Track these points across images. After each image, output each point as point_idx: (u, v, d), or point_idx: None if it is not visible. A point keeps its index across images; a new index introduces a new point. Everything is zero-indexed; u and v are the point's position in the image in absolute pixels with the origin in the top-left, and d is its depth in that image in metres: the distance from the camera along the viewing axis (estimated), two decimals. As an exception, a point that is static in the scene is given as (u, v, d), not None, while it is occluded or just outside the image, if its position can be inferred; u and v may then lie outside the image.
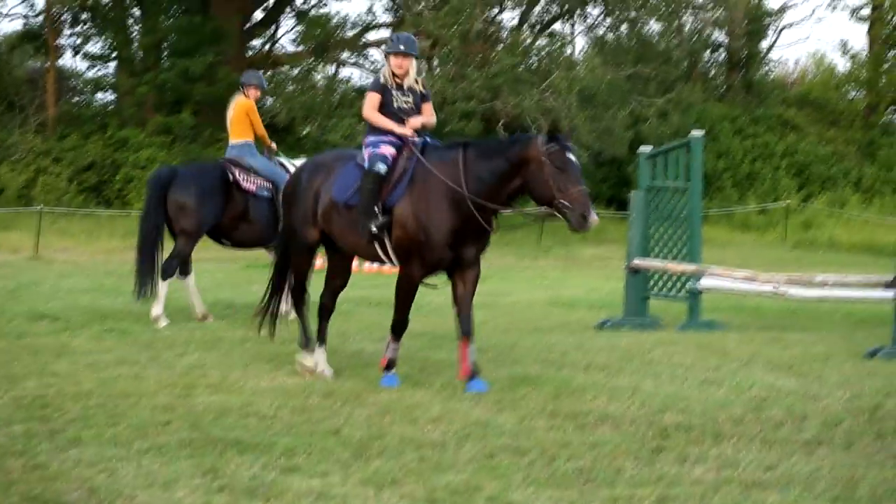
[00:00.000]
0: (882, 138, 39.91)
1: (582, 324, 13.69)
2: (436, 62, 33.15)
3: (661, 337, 12.34)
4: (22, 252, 24.57)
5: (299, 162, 12.34)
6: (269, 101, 32.34)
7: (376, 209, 8.94)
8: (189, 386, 8.58)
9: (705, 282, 13.22)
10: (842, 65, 44.87)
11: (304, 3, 37.75)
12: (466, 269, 9.03)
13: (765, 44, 41.81)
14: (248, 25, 36.47)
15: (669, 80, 36.01)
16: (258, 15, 37.46)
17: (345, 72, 36.86)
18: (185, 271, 13.03)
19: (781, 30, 42.88)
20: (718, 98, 40.35)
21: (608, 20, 35.97)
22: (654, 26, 36.92)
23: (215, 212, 12.90)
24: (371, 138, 9.30)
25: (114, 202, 31.35)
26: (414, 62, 9.50)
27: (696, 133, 14.05)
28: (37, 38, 35.28)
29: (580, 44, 38.51)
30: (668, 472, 6.36)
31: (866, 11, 42.09)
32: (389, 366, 9.19)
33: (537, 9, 35.69)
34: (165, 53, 35.32)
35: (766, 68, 42.98)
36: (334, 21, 35.56)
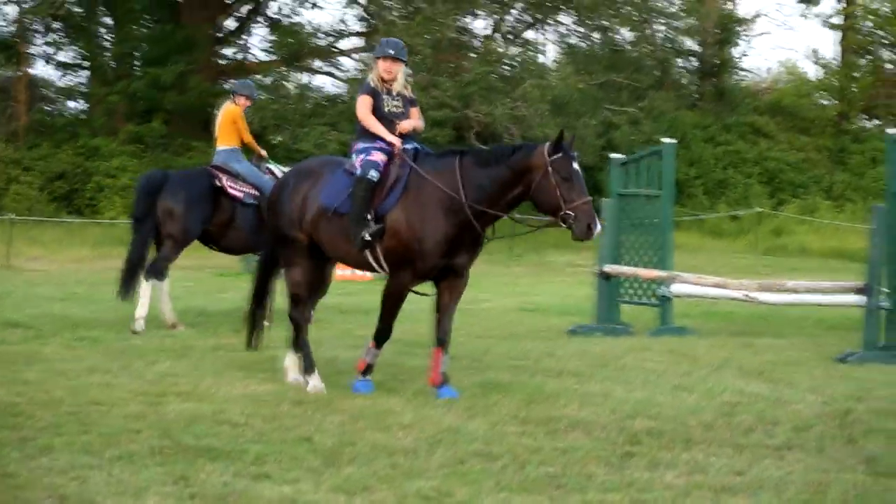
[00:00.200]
0: (853, 145, 40.09)
1: (554, 330, 13.70)
2: (408, 71, 33.13)
3: (633, 343, 12.36)
4: (-8, 261, 24.43)
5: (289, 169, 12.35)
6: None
7: (368, 217, 8.84)
8: (160, 394, 8.54)
9: (676, 287, 13.28)
10: (812, 73, 45.12)
11: (276, 12, 37.72)
12: (455, 278, 8.97)
13: (736, 52, 42.06)
14: (219, 34, 36.40)
15: (641, 88, 36.15)
16: (230, 24, 37.41)
17: (316, 80, 36.89)
18: (161, 276, 13.03)
19: (752, 38, 43.14)
20: (690, 106, 40.47)
21: (580, 29, 36.14)
22: (625, 35, 37.13)
23: (202, 218, 12.98)
24: (361, 145, 9.20)
25: (85, 211, 31.24)
26: (403, 67, 9.49)
27: (668, 141, 14.12)
28: (9, 48, 35.12)
29: (552, 52, 38.62)
30: (639, 478, 6.36)
31: (837, 20, 42.40)
32: (367, 370, 9.15)
33: (509, 18, 35.80)
34: (137, 63, 35.23)
35: (738, 76, 43.18)
36: (307, 30, 35.59)
